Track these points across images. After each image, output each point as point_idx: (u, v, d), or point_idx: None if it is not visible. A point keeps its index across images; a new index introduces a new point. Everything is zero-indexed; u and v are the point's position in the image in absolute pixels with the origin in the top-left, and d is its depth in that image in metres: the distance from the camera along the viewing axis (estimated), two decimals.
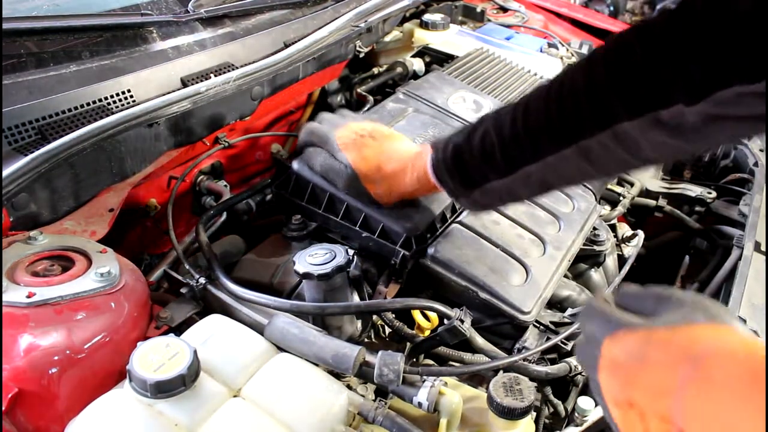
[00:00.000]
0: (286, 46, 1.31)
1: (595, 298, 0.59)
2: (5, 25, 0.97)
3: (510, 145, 0.81)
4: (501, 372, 0.85)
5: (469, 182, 0.87)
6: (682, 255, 1.58)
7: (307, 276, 0.85)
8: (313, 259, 0.87)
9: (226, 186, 1.18)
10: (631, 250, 1.29)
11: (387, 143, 1.01)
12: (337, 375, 0.82)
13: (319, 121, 1.10)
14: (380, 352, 0.80)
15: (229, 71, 1.16)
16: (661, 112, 0.70)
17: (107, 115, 0.97)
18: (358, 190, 1.00)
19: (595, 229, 1.21)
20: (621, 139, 0.74)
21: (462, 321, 0.88)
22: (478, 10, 2.05)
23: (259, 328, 0.84)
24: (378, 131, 1.03)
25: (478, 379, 0.99)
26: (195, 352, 0.71)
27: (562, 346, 1.00)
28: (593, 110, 0.74)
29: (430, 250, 1.02)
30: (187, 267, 0.94)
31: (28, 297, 0.73)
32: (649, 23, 0.72)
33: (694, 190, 1.58)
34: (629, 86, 0.72)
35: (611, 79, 0.73)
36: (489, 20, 2.05)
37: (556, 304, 1.10)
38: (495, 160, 0.83)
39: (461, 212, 1.11)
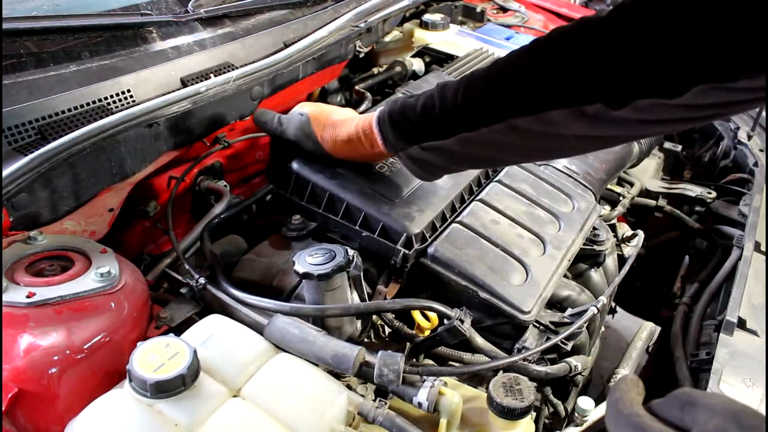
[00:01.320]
0: (286, 46, 1.31)
1: (621, 394, 0.55)
2: (5, 25, 0.97)
3: (449, 112, 0.88)
4: (501, 372, 0.85)
5: (408, 138, 0.94)
6: (682, 255, 1.58)
7: (306, 276, 0.85)
8: (313, 259, 0.87)
9: (226, 186, 1.18)
10: (631, 250, 1.29)
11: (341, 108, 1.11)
12: (337, 375, 0.82)
13: None
14: (380, 352, 0.80)
15: (229, 71, 1.16)
16: (586, 107, 0.77)
17: (107, 115, 0.97)
18: (305, 132, 1.06)
19: (595, 229, 1.21)
20: (546, 124, 0.81)
21: (462, 321, 0.88)
22: (478, 10, 2.05)
23: (259, 328, 0.84)
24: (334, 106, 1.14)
25: (478, 379, 0.99)
26: (195, 352, 0.71)
27: (562, 346, 1.00)
28: (525, 95, 0.81)
29: (430, 250, 1.02)
30: (187, 267, 0.94)
31: (28, 297, 0.73)
32: (589, 24, 0.77)
33: (694, 190, 1.58)
34: (559, 81, 0.78)
35: (545, 71, 0.79)
36: (489, 20, 2.05)
37: (556, 304, 1.10)
38: (434, 122, 0.90)
39: (461, 212, 1.11)
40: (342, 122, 1.04)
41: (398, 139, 0.95)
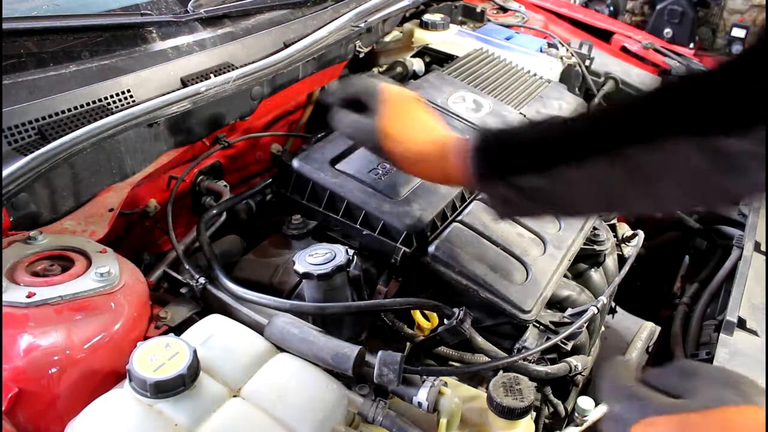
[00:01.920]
0: (286, 46, 1.31)
1: (616, 371, 0.57)
2: (5, 25, 0.97)
3: (556, 140, 0.78)
4: (501, 372, 0.85)
5: (499, 168, 0.82)
6: (682, 255, 1.58)
7: (306, 276, 0.85)
8: (313, 258, 0.87)
9: (226, 186, 1.18)
10: (631, 250, 1.29)
11: (426, 111, 0.98)
12: (337, 375, 0.82)
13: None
14: (380, 352, 0.80)
15: (229, 71, 1.16)
16: (711, 139, 0.68)
17: (107, 115, 0.97)
18: (375, 145, 0.95)
19: (595, 228, 1.21)
20: (661, 154, 0.71)
21: (462, 321, 0.88)
22: (478, 10, 2.05)
23: (259, 328, 0.84)
24: (423, 100, 1.01)
25: (478, 379, 0.99)
26: (195, 352, 0.71)
27: (562, 346, 1.00)
28: (642, 122, 0.72)
29: (431, 249, 1.02)
30: (187, 267, 0.94)
31: (28, 297, 0.73)
32: (725, 67, 0.71)
33: None
34: (685, 109, 0.70)
35: (671, 99, 0.71)
36: (489, 20, 2.05)
37: (556, 304, 1.10)
38: (535, 151, 0.79)
39: (462, 211, 1.11)
40: (417, 138, 0.93)
41: (487, 169, 0.83)
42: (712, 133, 0.67)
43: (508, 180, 0.81)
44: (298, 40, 1.33)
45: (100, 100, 1.00)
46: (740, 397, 0.50)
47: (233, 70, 1.17)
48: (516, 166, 0.80)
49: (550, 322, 1.03)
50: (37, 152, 0.86)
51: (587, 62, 1.84)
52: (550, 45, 1.85)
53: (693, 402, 0.51)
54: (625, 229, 1.38)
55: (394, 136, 0.93)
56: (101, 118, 0.96)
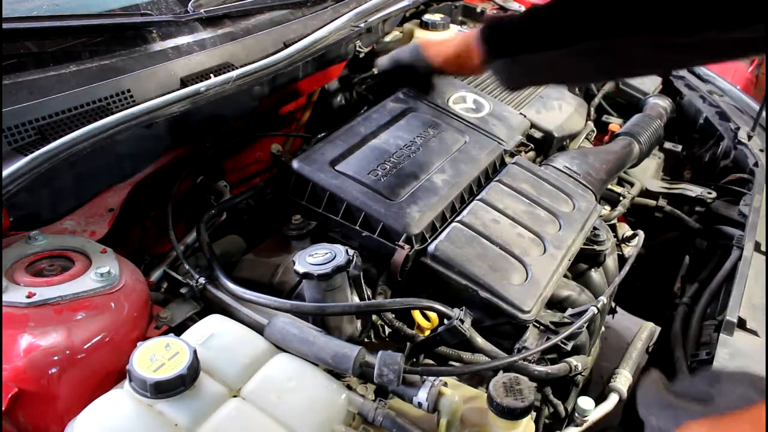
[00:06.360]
0: (286, 46, 1.31)
1: (649, 386, 0.62)
2: (5, 25, 0.97)
3: (547, 29, 0.99)
4: (501, 372, 0.85)
5: (504, 51, 1.05)
6: (682, 255, 1.58)
7: (306, 276, 0.85)
8: (313, 259, 0.87)
9: (226, 186, 1.18)
10: (631, 250, 1.29)
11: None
12: (337, 375, 0.82)
13: None
14: (380, 352, 0.80)
15: (229, 71, 1.16)
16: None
17: (107, 115, 0.97)
18: (416, 55, 1.26)
19: (595, 229, 1.21)
20: (612, 51, 0.92)
21: (462, 321, 0.88)
22: (478, 10, 2.05)
23: (259, 328, 0.84)
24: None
25: (478, 379, 0.99)
26: (195, 352, 0.71)
27: (562, 346, 1.00)
28: (599, 19, 0.91)
29: (431, 248, 1.02)
30: (187, 267, 0.94)
31: (28, 297, 0.73)
32: None
33: (694, 190, 1.58)
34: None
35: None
36: None
37: (556, 304, 1.10)
38: (532, 37, 1.00)
39: (461, 211, 1.11)
40: (448, 39, 1.23)
41: (496, 52, 1.06)
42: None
43: (515, 58, 1.03)
44: (298, 40, 1.33)
45: (100, 100, 1.00)
46: (761, 393, 0.55)
47: (233, 70, 1.17)
48: (519, 48, 1.02)
49: (550, 322, 1.03)
50: (37, 152, 0.86)
51: None
52: None
53: (722, 404, 0.56)
54: (625, 229, 1.38)
55: (431, 44, 1.26)
56: (101, 118, 0.96)
